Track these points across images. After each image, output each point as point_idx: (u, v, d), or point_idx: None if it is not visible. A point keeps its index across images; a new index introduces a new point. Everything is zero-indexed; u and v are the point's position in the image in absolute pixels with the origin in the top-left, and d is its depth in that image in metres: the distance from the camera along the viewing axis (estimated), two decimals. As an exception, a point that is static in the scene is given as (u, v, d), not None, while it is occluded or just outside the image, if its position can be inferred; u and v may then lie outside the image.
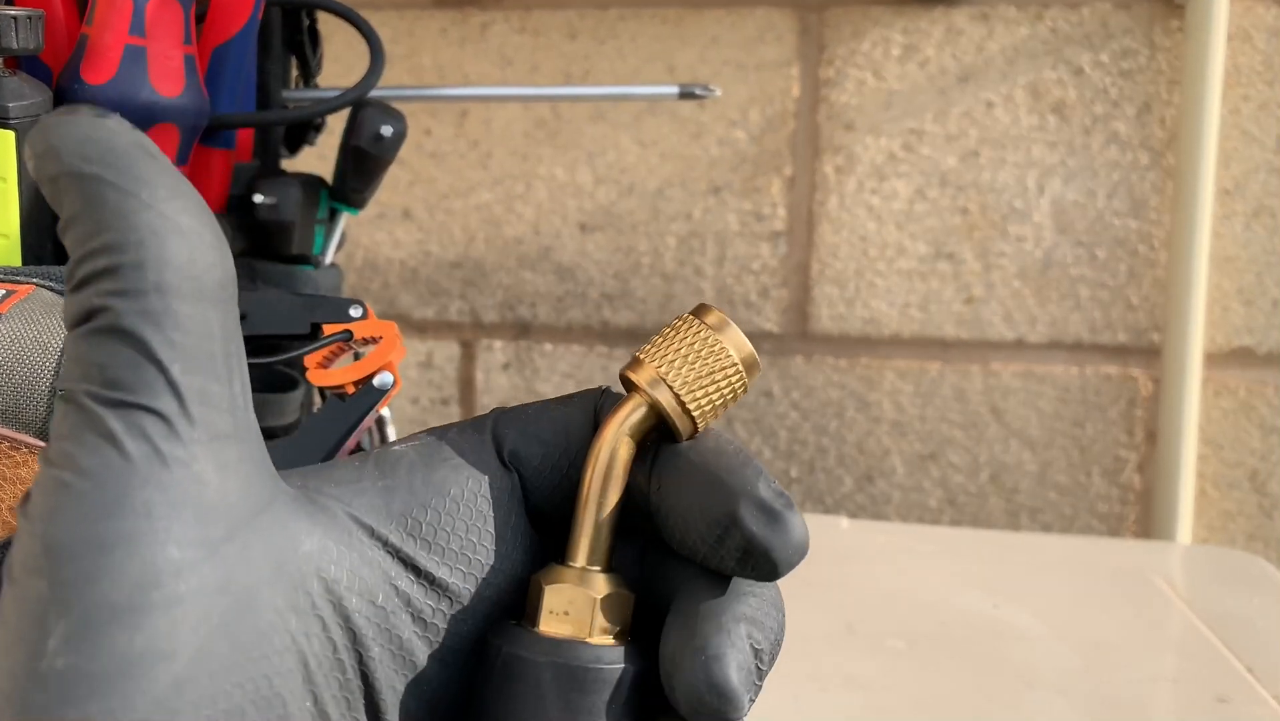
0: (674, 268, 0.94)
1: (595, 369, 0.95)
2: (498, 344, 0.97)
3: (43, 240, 0.47)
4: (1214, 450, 0.89)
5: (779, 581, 0.28)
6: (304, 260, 0.54)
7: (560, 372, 0.96)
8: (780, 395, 0.93)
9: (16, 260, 0.46)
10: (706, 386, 0.28)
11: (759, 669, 0.27)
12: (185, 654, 0.22)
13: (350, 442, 0.43)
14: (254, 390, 0.51)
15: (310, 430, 0.43)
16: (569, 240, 0.95)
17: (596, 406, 0.29)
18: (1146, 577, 0.72)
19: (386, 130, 0.53)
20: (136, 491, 0.22)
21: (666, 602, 0.29)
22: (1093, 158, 0.89)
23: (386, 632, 0.27)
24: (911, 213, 0.91)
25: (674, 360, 0.28)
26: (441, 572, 0.28)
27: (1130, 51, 0.88)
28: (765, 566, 0.27)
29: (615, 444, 0.28)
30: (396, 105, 0.55)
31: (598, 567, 0.28)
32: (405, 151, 0.91)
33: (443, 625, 0.28)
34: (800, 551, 0.27)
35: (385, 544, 0.27)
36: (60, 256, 0.48)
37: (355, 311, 0.44)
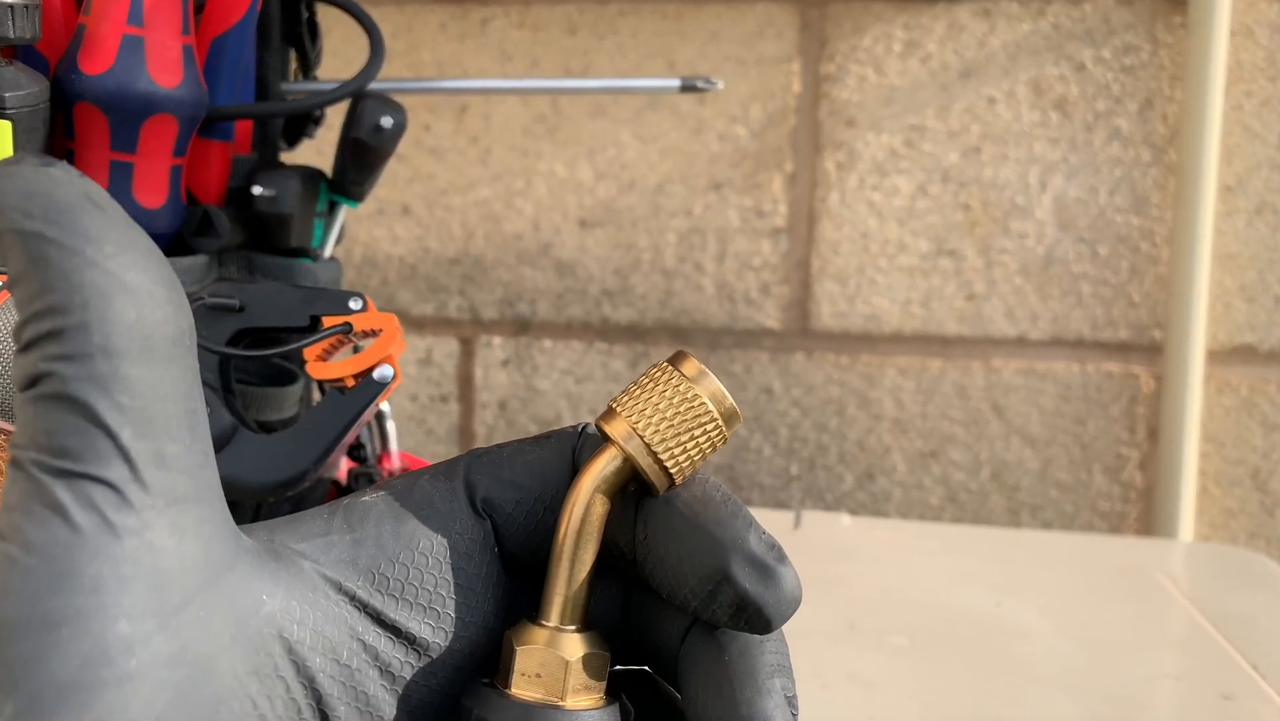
0: (674, 264, 0.93)
1: (595, 366, 0.95)
2: (497, 340, 0.96)
3: (39, 231, 0.46)
4: (1216, 447, 0.89)
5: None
6: (303, 253, 0.54)
7: (559, 369, 0.96)
8: (781, 392, 0.93)
9: (13, 251, 0.45)
10: (684, 440, 0.27)
11: (795, 716, 0.27)
12: None
13: (350, 437, 0.43)
14: (253, 383, 0.51)
15: (309, 424, 0.42)
16: (569, 236, 0.94)
17: (574, 449, 0.29)
18: (1149, 575, 0.71)
19: (387, 122, 0.52)
20: (85, 565, 0.22)
21: (656, 646, 0.28)
22: (1095, 154, 0.88)
23: (352, 690, 0.26)
24: (913, 209, 0.90)
25: (649, 413, 0.27)
26: (410, 626, 0.27)
27: (1132, 47, 0.87)
28: (759, 622, 0.26)
29: (589, 500, 0.27)
30: (396, 98, 0.54)
31: (572, 627, 0.28)
32: (404, 147, 0.91)
33: (412, 678, 0.27)
34: (794, 605, 0.26)
35: (352, 598, 0.26)
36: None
37: (355, 304, 0.44)
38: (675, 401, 0.27)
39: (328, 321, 0.44)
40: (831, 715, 0.53)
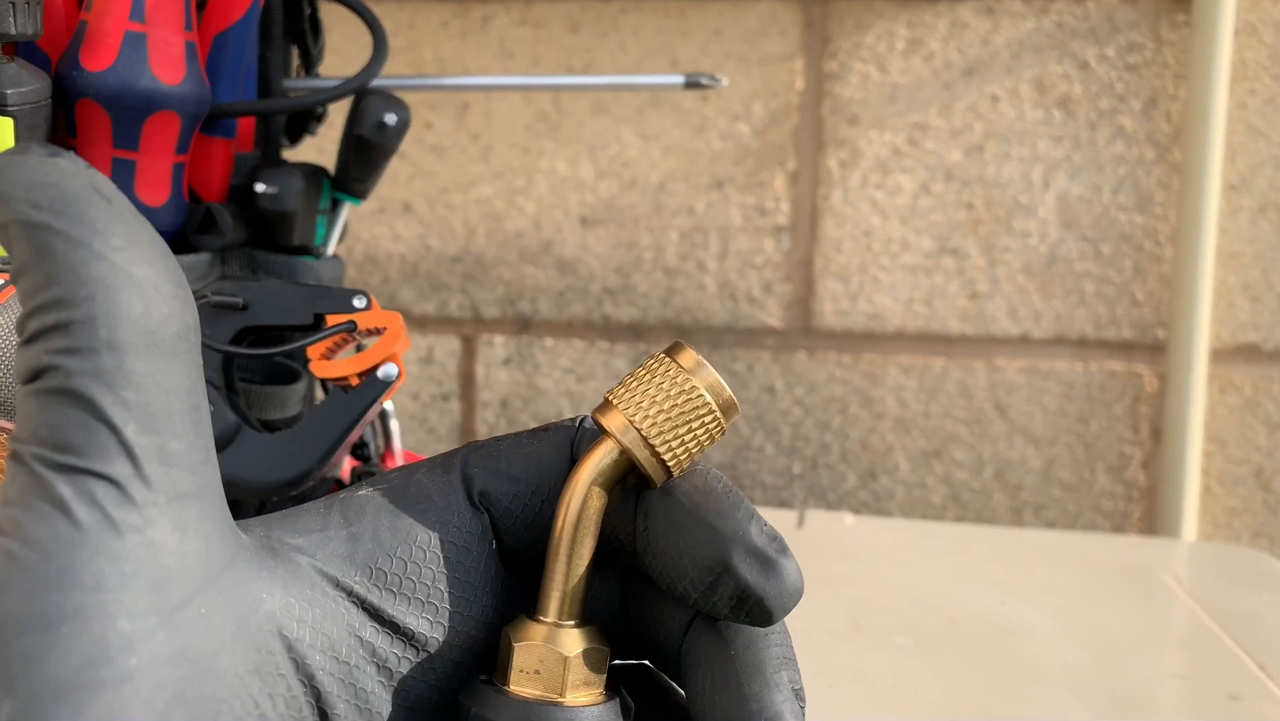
0: (676, 262, 0.93)
1: (597, 364, 0.95)
2: (498, 339, 0.96)
3: (41, 229, 0.46)
4: (1219, 447, 0.89)
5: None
6: (305, 251, 0.53)
7: (561, 368, 0.96)
8: (783, 391, 0.93)
9: (14, 249, 0.45)
10: (681, 432, 0.27)
11: (803, 709, 0.27)
12: None
13: (354, 435, 0.43)
14: (256, 381, 0.51)
15: (313, 422, 0.42)
16: (570, 234, 0.94)
17: (573, 441, 0.28)
18: (1153, 574, 0.71)
19: (390, 118, 0.52)
20: (86, 562, 0.22)
21: (657, 641, 0.28)
22: (1098, 152, 0.88)
23: (351, 687, 0.26)
24: (916, 207, 0.90)
25: (645, 405, 0.27)
26: (408, 621, 0.27)
27: (1136, 46, 0.87)
28: (760, 614, 0.26)
29: (586, 494, 0.27)
30: (398, 95, 0.54)
31: (571, 622, 0.27)
32: (405, 145, 0.90)
33: (409, 674, 0.27)
34: (795, 597, 0.26)
35: (350, 594, 0.26)
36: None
37: (359, 302, 0.44)
38: (672, 393, 0.27)
39: (331, 320, 0.43)
40: (836, 714, 0.53)
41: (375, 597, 0.27)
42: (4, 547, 0.22)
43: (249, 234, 0.52)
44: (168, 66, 0.46)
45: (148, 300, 0.23)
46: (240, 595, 0.24)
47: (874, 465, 0.92)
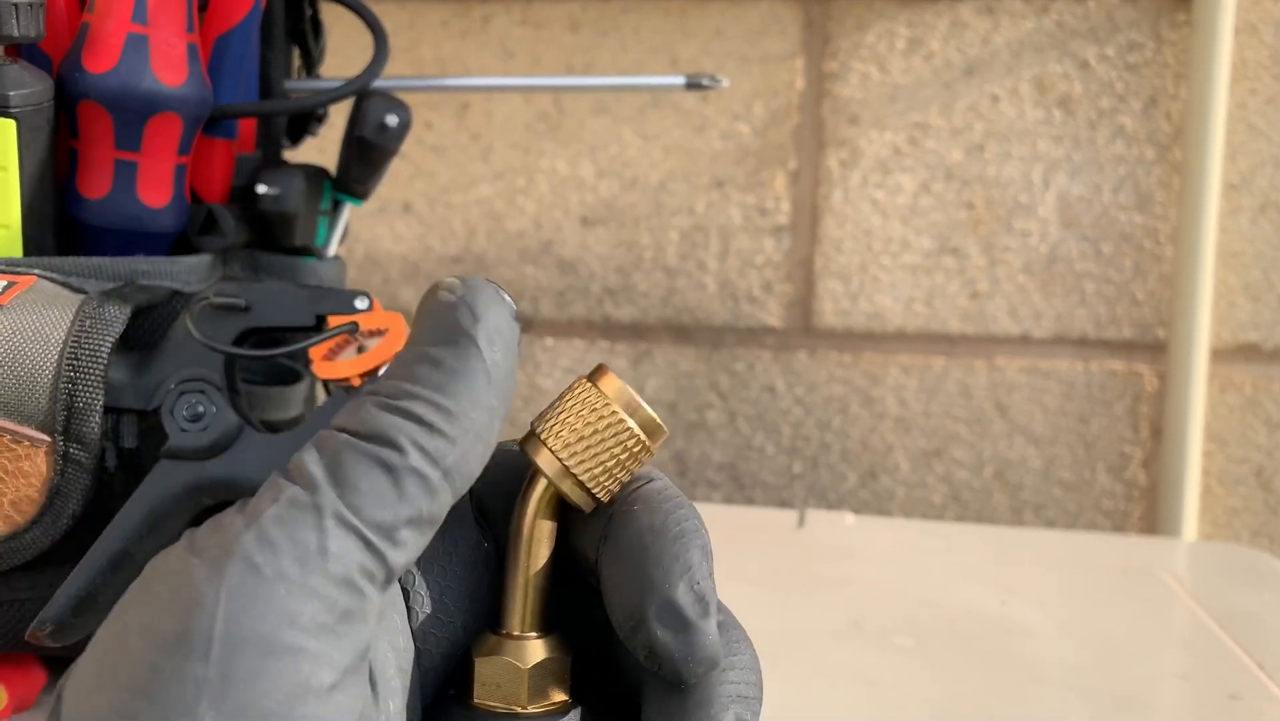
0: (677, 262, 0.93)
1: (597, 364, 0.95)
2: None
3: (43, 230, 0.46)
4: (1219, 446, 0.89)
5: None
6: (307, 251, 0.53)
7: (562, 367, 0.96)
8: (784, 390, 0.93)
9: (17, 251, 0.45)
10: (604, 461, 0.27)
11: None
12: None
13: (356, 436, 0.43)
14: (258, 382, 0.51)
15: (315, 424, 0.42)
16: (571, 234, 0.94)
17: None
18: (1154, 574, 0.71)
19: (391, 120, 0.52)
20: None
21: (619, 662, 0.28)
22: (1098, 152, 0.88)
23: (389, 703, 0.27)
24: (916, 207, 0.90)
25: (566, 434, 0.27)
26: (416, 641, 0.28)
27: (1136, 45, 0.87)
28: (669, 672, 0.26)
29: (532, 525, 0.28)
30: (399, 96, 0.54)
31: (533, 634, 0.28)
32: (406, 145, 0.90)
33: (414, 686, 0.28)
34: (708, 664, 0.26)
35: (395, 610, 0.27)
36: (62, 246, 0.48)
37: (361, 303, 0.44)
38: (592, 420, 0.27)
39: (333, 321, 0.43)
40: (836, 714, 0.53)
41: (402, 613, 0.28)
42: (256, 565, 0.23)
43: (251, 235, 0.52)
44: (170, 68, 0.46)
45: (482, 459, 0.26)
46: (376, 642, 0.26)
47: (874, 465, 0.92)
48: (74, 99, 0.46)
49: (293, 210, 0.51)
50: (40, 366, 0.41)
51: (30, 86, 0.44)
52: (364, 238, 0.97)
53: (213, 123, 0.50)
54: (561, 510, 0.28)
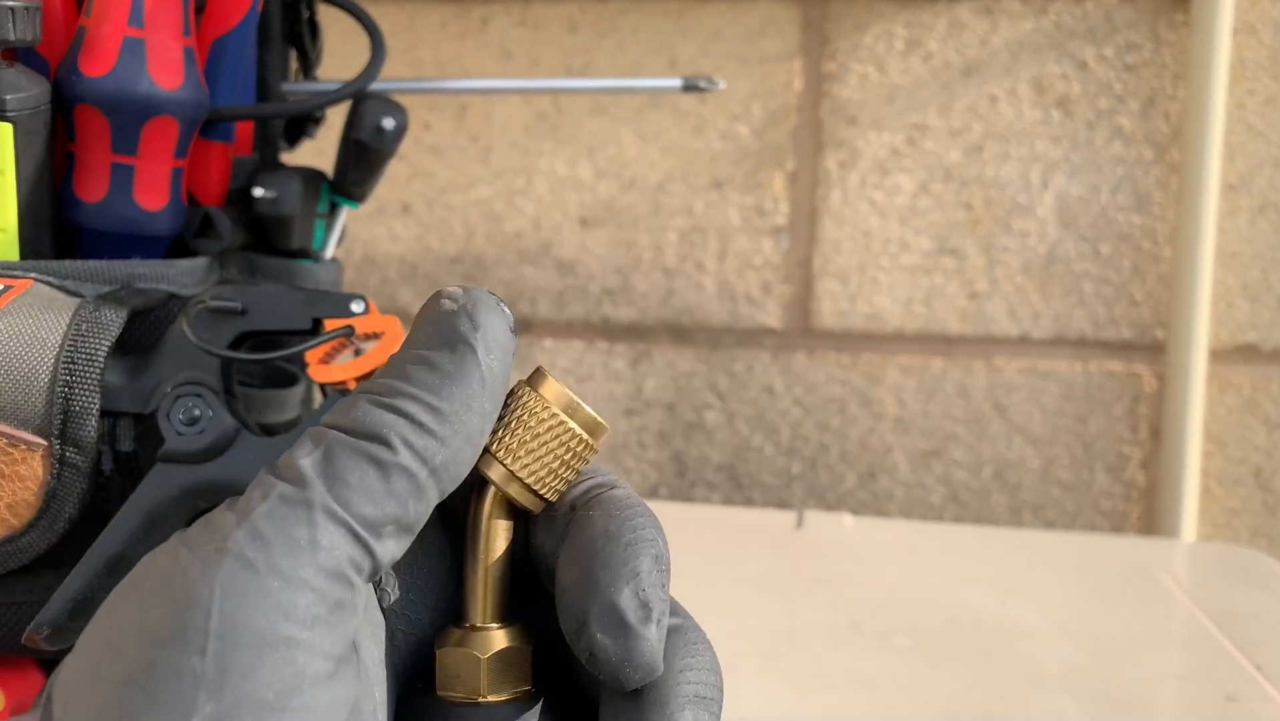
0: (675, 263, 0.93)
1: (596, 364, 0.95)
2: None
3: (40, 233, 0.46)
4: (1218, 447, 0.89)
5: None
6: (304, 254, 0.54)
7: (560, 368, 0.96)
8: (782, 391, 0.93)
9: (14, 254, 0.45)
10: (550, 463, 0.28)
11: None
12: None
13: (352, 439, 0.43)
14: (254, 386, 0.51)
15: (311, 426, 0.42)
16: (569, 235, 0.94)
17: None
18: (1152, 574, 0.71)
19: (388, 123, 0.52)
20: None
21: (576, 663, 0.28)
22: (1097, 152, 0.88)
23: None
24: (914, 207, 0.90)
25: (507, 440, 0.28)
26: (408, 642, 0.29)
27: (1135, 45, 0.87)
28: (609, 678, 0.26)
29: (487, 525, 0.28)
30: (397, 99, 0.54)
31: (495, 625, 0.28)
32: (404, 146, 0.90)
33: (388, 678, 0.28)
34: (647, 672, 0.26)
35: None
36: (59, 249, 0.48)
37: (357, 306, 0.44)
38: (533, 424, 0.28)
39: (329, 324, 0.43)
40: (835, 715, 0.53)
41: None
42: (249, 560, 0.23)
43: (247, 238, 0.52)
44: (166, 71, 0.46)
45: (469, 463, 0.27)
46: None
47: (873, 465, 0.92)
48: (70, 102, 0.46)
49: (290, 213, 0.51)
50: (36, 370, 0.41)
51: (27, 90, 0.44)
52: (362, 238, 0.97)
53: (209, 126, 0.50)
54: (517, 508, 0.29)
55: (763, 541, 0.76)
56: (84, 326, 0.42)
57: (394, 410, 0.25)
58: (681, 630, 0.28)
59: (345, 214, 0.56)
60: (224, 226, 0.49)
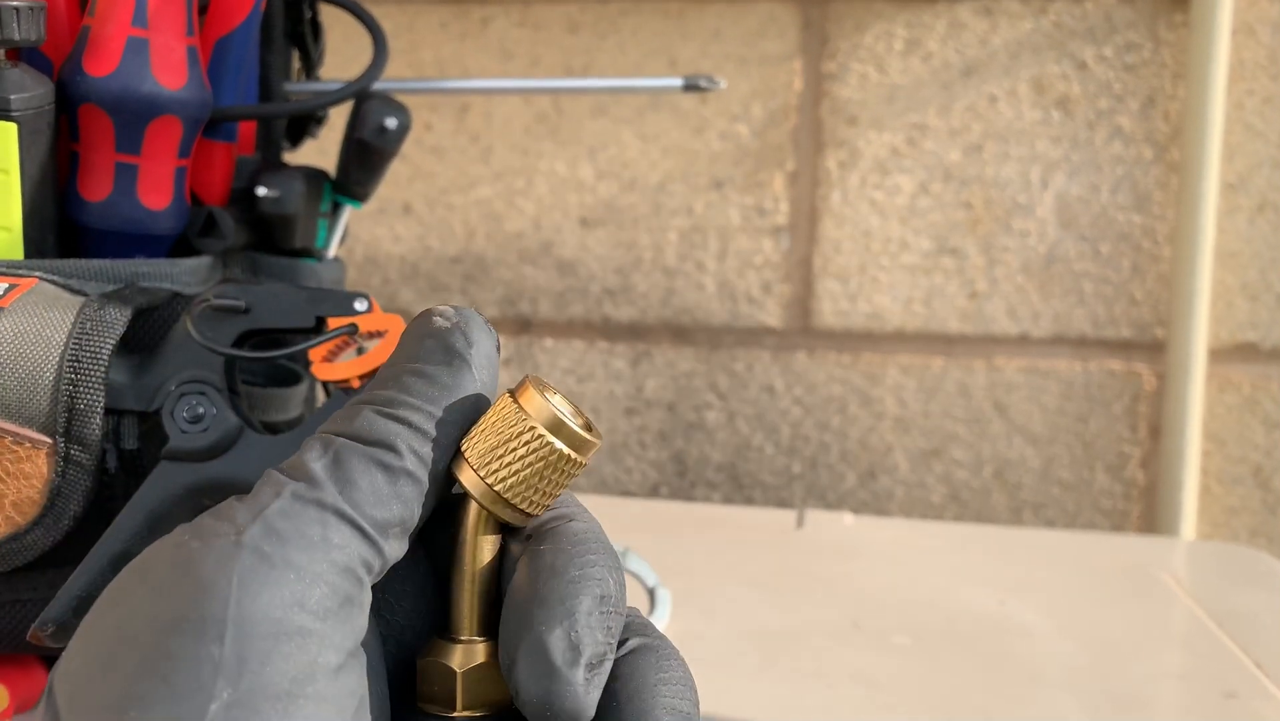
0: (676, 263, 0.93)
1: (596, 364, 0.95)
2: (498, 339, 0.96)
3: (44, 233, 0.47)
4: (1217, 446, 0.89)
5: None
6: (307, 253, 0.54)
7: (561, 368, 0.96)
8: (783, 391, 0.93)
9: (18, 253, 0.45)
10: (528, 477, 0.27)
11: None
12: None
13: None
14: (257, 384, 0.51)
15: (314, 425, 0.42)
16: (570, 235, 0.94)
17: None
18: (1152, 573, 0.71)
19: (391, 122, 0.52)
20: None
21: None
22: (1096, 152, 0.88)
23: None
24: (914, 207, 0.90)
25: (488, 458, 0.27)
26: (386, 646, 0.29)
27: (1134, 45, 0.87)
28: (533, 714, 0.26)
29: (472, 539, 0.28)
30: (398, 98, 0.54)
31: (479, 638, 0.28)
32: (405, 146, 0.91)
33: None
34: (571, 717, 0.25)
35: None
36: (63, 248, 0.48)
37: (360, 305, 0.44)
38: (512, 439, 0.27)
39: (333, 323, 0.44)
40: (835, 714, 0.53)
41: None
42: (266, 553, 0.24)
43: (250, 237, 0.52)
44: (170, 71, 0.46)
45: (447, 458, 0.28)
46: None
47: (873, 465, 0.92)
48: (75, 102, 0.46)
49: (292, 212, 0.51)
50: (41, 368, 0.41)
51: (31, 90, 0.44)
52: (364, 239, 0.97)
53: (213, 125, 0.50)
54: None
55: (763, 541, 0.76)
56: (88, 325, 0.42)
57: (398, 420, 0.27)
58: (654, 648, 0.27)
59: (348, 213, 0.56)
60: (227, 225, 0.49)
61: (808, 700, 0.54)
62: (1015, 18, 0.88)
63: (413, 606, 0.29)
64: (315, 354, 0.44)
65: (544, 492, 0.27)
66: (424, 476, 0.26)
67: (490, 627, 0.28)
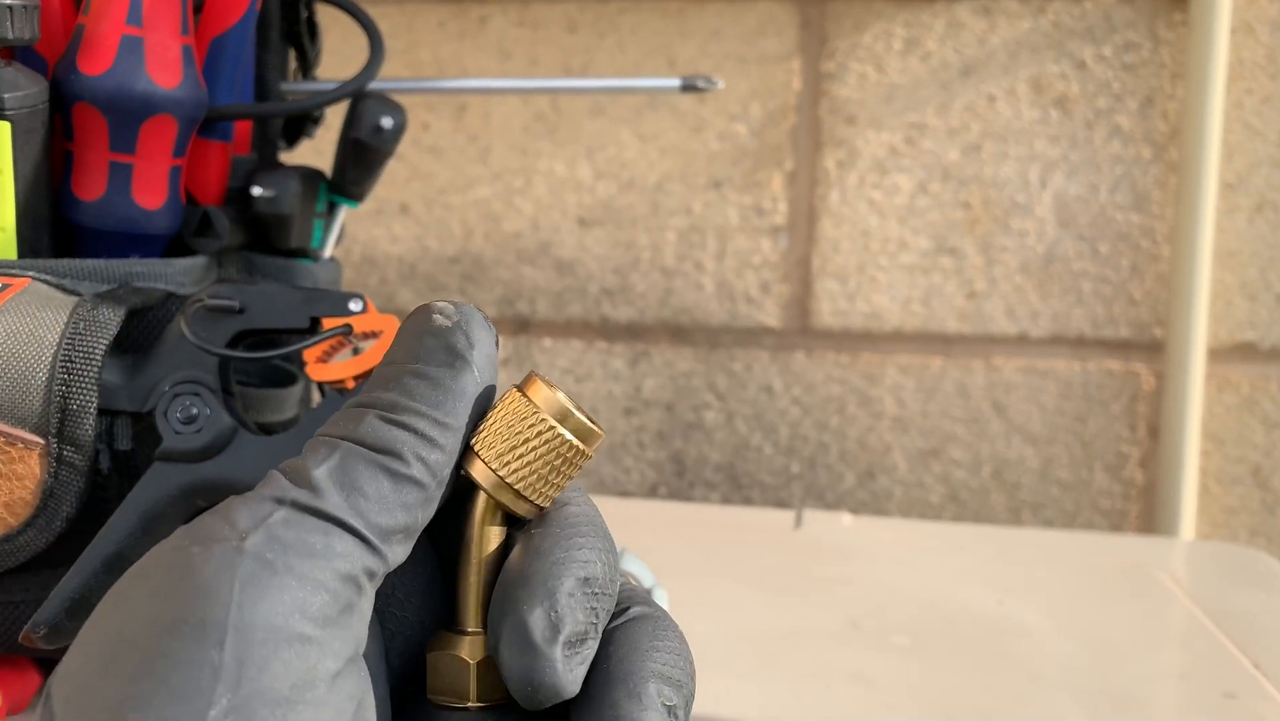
0: (674, 263, 0.93)
1: (595, 364, 0.95)
2: (497, 336, 0.96)
3: (39, 232, 0.46)
4: (1216, 445, 0.89)
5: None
6: (302, 253, 0.54)
7: (559, 368, 0.96)
8: (781, 391, 0.93)
9: (12, 253, 0.45)
10: (539, 469, 0.28)
11: None
12: None
13: (350, 438, 0.43)
14: (252, 385, 0.51)
15: (309, 426, 0.42)
16: (568, 235, 0.94)
17: None
18: (1151, 573, 0.71)
19: (387, 122, 0.52)
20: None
21: None
22: (1095, 152, 0.88)
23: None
24: (913, 207, 0.90)
25: (498, 446, 0.28)
26: (394, 643, 0.29)
27: (1133, 45, 0.87)
28: (518, 697, 0.27)
29: (479, 530, 0.28)
30: (395, 98, 0.54)
31: (485, 630, 0.28)
32: (403, 146, 0.91)
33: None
34: (551, 692, 0.26)
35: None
36: (57, 248, 0.48)
37: (355, 305, 0.44)
38: (523, 430, 0.28)
39: (328, 323, 0.43)
40: (833, 714, 0.53)
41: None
42: (268, 560, 0.24)
43: (246, 237, 0.52)
44: (165, 70, 0.46)
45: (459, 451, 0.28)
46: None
47: (872, 465, 0.92)
48: (69, 101, 0.46)
49: (288, 212, 0.51)
50: (34, 368, 0.41)
51: (25, 89, 0.44)
52: (361, 239, 0.97)
53: (208, 125, 0.50)
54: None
55: (762, 541, 0.76)
56: (82, 325, 0.42)
57: (403, 426, 0.27)
58: (652, 618, 0.28)
59: (344, 213, 0.56)
60: (222, 225, 0.49)
61: (806, 700, 0.54)
62: (1014, 17, 0.88)
63: (421, 601, 0.29)
64: (310, 354, 0.43)
65: (552, 484, 0.28)
66: (430, 482, 0.26)
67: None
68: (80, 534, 0.41)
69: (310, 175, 0.53)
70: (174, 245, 0.50)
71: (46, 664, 0.47)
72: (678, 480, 0.94)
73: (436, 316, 0.28)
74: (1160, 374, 0.89)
